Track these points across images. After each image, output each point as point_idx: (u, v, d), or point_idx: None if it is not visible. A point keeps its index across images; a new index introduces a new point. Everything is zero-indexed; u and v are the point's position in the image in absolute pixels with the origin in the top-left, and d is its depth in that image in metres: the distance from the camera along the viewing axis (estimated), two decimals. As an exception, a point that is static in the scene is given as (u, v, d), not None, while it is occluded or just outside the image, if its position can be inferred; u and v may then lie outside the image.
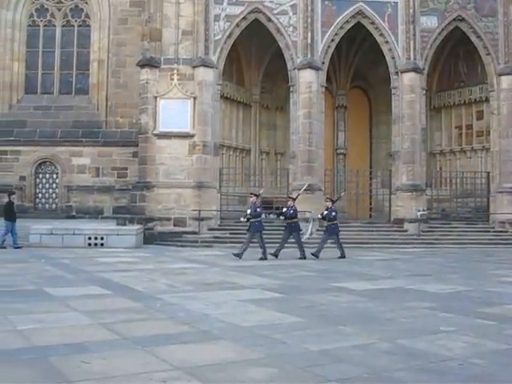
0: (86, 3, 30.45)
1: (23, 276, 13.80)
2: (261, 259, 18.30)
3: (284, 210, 19.62)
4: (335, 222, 19.84)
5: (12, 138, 29.11)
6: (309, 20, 25.38)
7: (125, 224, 23.77)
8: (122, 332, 7.95)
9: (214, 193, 25.06)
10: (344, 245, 23.12)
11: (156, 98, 25.15)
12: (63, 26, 30.74)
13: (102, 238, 22.17)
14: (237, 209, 26.85)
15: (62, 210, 28.95)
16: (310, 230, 23.92)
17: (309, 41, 25.37)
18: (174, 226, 24.58)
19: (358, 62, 30.32)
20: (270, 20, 25.63)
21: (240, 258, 18.17)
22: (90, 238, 22.11)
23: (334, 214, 19.85)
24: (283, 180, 27.27)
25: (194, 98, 25.11)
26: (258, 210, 19.18)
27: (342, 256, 19.31)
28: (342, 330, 8.33)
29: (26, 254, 19.39)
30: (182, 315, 9.19)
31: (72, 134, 29.20)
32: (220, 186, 25.69)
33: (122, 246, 21.64)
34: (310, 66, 25.33)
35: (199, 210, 24.03)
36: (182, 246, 23.17)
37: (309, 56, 25.36)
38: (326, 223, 20.30)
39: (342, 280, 13.71)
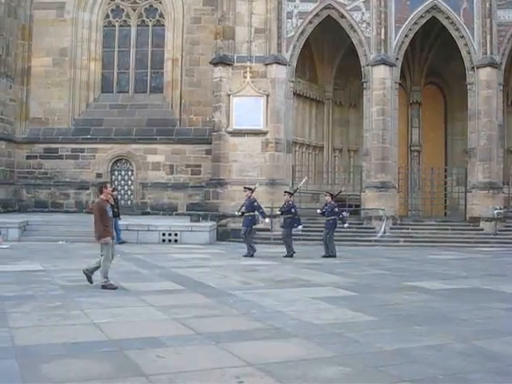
0: (160, 3, 30.91)
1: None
2: (246, 256, 18.15)
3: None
4: (334, 217, 18.96)
5: (89, 136, 29.90)
6: (382, 16, 25.08)
7: (198, 221, 23.98)
8: (195, 327, 8.06)
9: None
10: (419, 243, 22.89)
11: (229, 95, 25.31)
12: (138, 25, 31.30)
13: (175, 235, 22.47)
14: (309, 206, 26.74)
15: (137, 206, 29.50)
16: (382, 229, 23.73)
17: (382, 37, 25.08)
18: (247, 222, 24.67)
19: (432, 58, 29.75)
20: (342, 16, 25.44)
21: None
22: (164, 234, 22.42)
23: (336, 209, 19.02)
24: (356, 177, 27.04)
25: (267, 96, 25.17)
26: (255, 204, 18.94)
27: (331, 255, 18.39)
28: (416, 329, 8.23)
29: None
30: (255, 312, 9.25)
31: (147, 131, 29.74)
32: (292, 184, 25.65)
33: (196, 242, 21.87)
34: (384, 62, 25.04)
35: (272, 207, 24.02)
36: (254, 242, 23.19)
37: (382, 52, 25.08)
38: (325, 219, 19.36)
39: (416, 279, 13.52)
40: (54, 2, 30.38)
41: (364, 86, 25.63)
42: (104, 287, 11.18)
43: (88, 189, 29.58)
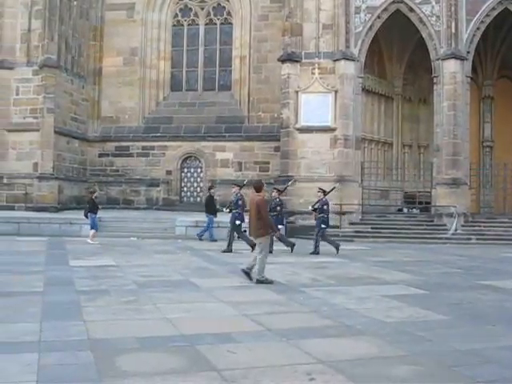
0: (228, 1, 31.07)
1: (171, 267, 14.33)
2: (224, 251, 18.08)
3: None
4: (324, 215, 18.50)
5: (159, 134, 30.34)
6: (453, 9, 24.59)
7: (267, 217, 23.97)
8: (266, 323, 8.10)
9: (355, 187, 24.86)
10: (491, 241, 22.39)
11: (297, 92, 25.27)
12: (206, 24, 31.54)
13: (244, 231, 22.49)
14: (379, 203, 26.58)
15: (206, 203, 29.70)
16: (454, 226, 23.32)
17: (453, 30, 24.58)
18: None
19: (505, 51, 29.02)
20: (411, 10, 25.05)
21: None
22: (233, 231, 22.47)
23: (325, 207, 18.52)
24: (427, 174, 26.63)
25: (335, 92, 25.02)
26: (240, 202, 18.81)
27: (316, 252, 18.25)
28: (490, 329, 8.07)
29: (173, 245, 20.10)
30: (326, 309, 9.24)
31: (215, 129, 29.97)
32: (361, 180, 25.46)
33: (264, 238, 21.84)
34: (455, 56, 24.54)
35: (340, 204, 23.89)
36: (323, 240, 23.11)
37: (453, 46, 24.58)
38: (317, 216, 18.84)
39: (489, 278, 13.24)
40: (124, 3, 30.97)
41: (434, 80, 25.18)
42: (260, 282, 11.54)
43: (158, 186, 30.08)
